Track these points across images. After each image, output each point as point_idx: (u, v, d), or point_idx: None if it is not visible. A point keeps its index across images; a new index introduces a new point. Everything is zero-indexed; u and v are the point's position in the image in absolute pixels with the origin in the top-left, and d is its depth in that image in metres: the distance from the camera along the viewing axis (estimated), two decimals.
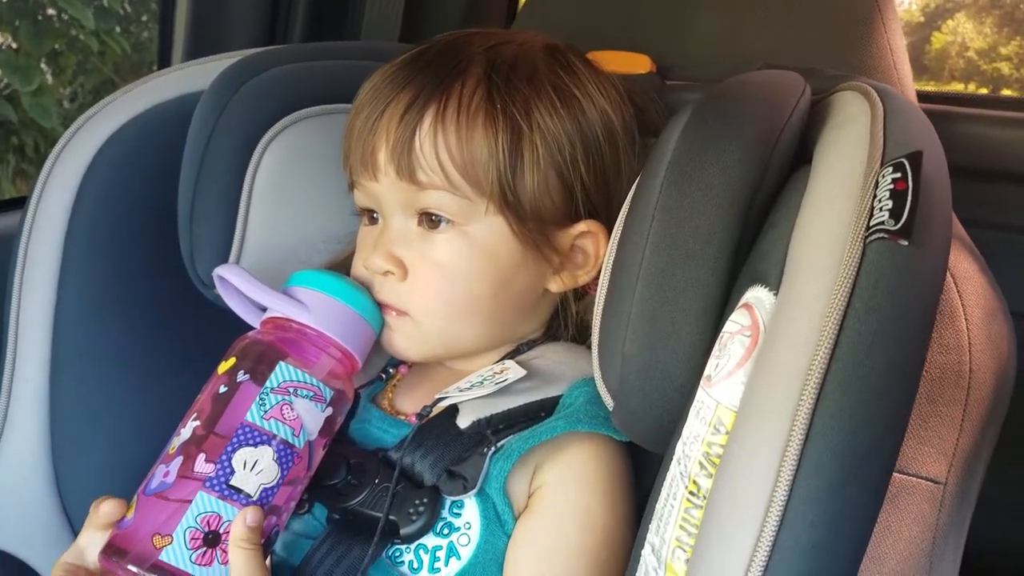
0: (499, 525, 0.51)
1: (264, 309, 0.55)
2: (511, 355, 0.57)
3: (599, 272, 0.51)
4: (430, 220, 0.53)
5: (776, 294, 0.40)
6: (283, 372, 0.50)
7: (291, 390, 0.49)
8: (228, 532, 0.47)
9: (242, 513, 0.47)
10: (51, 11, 1.40)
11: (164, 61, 1.04)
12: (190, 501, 0.47)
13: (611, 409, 0.48)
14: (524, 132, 0.52)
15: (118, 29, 1.47)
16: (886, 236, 0.36)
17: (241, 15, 0.99)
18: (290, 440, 0.49)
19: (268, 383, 0.49)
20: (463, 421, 0.52)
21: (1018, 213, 0.96)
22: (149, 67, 1.50)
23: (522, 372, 0.53)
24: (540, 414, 0.53)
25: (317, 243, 0.65)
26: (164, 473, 0.48)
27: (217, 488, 0.47)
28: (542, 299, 0.58)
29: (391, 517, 0.50)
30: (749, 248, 0.44)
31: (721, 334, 0.42)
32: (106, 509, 0.49)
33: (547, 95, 0.53)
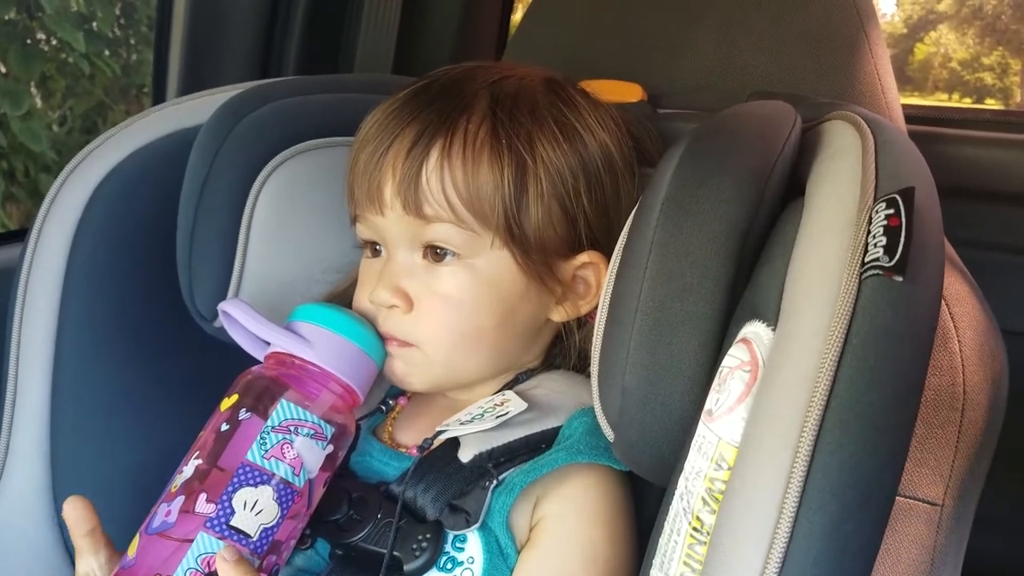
0: (502, 559, 0.51)
1: (268, 342, 0.55)
2: (510, 384, 0.58)
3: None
4: (435, 253, 0.54)
5: (774, 329, 0.40)
6: (284, 410, 0.50)
7: (292, 428, 0.49)
8: None
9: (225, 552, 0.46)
10: (40, 35, 1.40)
11: (159, 94, 1.04)
12: (191, 541, 0.46)
13: (611, 441, 0.48)
14: (528, 166, 0.52)
15: (107, 52, 1.47)
16: (881, 272, 0.36)
17: (235, 48, 0.99)
18: (290, 479, 0.49)
19: (270, 421, 0.49)
20: (464, 454, 0.52)
21: (1005, 232, 0.97)
22: (139, 90, 1.50)
23: (523, 405, 0.53)
24: (541, 446, 0.53)
25: (316, 274, 0.65)
26: (166, 512, 0.48)
27: (217, 528, 0.47)
28: (544, 328, 0.58)
29: (395, 553, 0.50)
30: (746, 281, 0.45)
31: (720, 368, 0.42)
32: (67, 510, 0.50)
33: (549, 129, 0.53)
